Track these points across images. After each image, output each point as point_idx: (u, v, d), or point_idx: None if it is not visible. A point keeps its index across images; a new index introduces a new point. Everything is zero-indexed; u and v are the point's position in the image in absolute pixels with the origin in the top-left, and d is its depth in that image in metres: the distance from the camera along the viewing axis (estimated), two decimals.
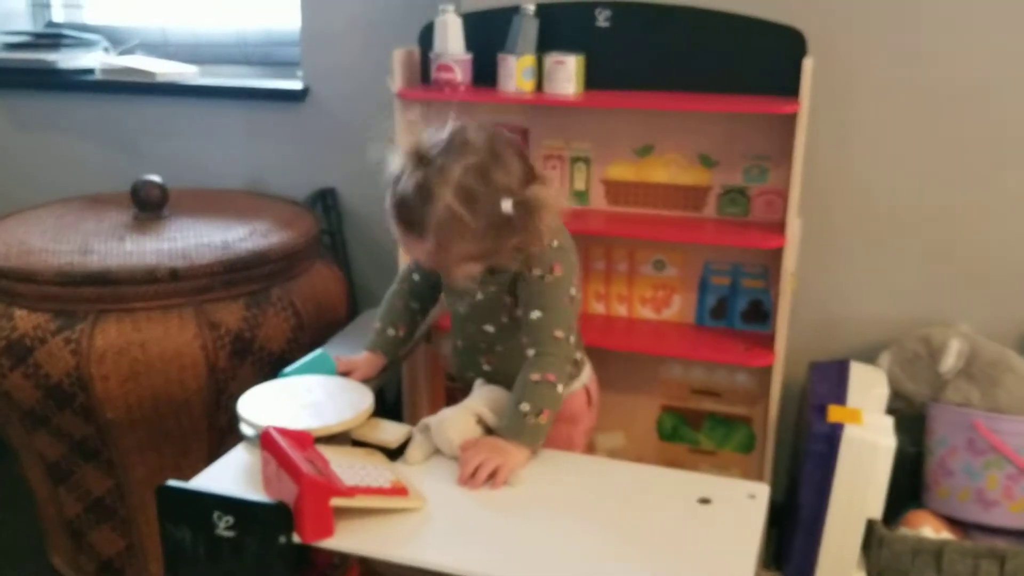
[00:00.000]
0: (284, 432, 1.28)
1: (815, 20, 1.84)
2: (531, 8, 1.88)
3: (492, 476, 1.33)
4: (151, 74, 2.46)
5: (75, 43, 2.61)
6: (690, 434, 2.12)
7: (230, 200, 2.28)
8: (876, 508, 1.70)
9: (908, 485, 1.89)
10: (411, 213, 1.36)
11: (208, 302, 1.84)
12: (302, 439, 1.30)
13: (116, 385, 1.77)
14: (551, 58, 1.87)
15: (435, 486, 1.32)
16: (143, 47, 2.65)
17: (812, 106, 1.78)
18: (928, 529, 1.77)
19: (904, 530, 1.77)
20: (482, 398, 1.47)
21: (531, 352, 1.44)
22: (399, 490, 1.27)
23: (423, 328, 1.77)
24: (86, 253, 1.86)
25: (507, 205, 1.34)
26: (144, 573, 2.01)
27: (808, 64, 1.73)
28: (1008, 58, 1.84)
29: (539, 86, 1.91)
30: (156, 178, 2.09)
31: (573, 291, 1.47)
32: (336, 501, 1.20)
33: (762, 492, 1.30)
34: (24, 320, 1.79)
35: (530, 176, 1.40)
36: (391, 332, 1.65)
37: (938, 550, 1.68)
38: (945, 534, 1.76)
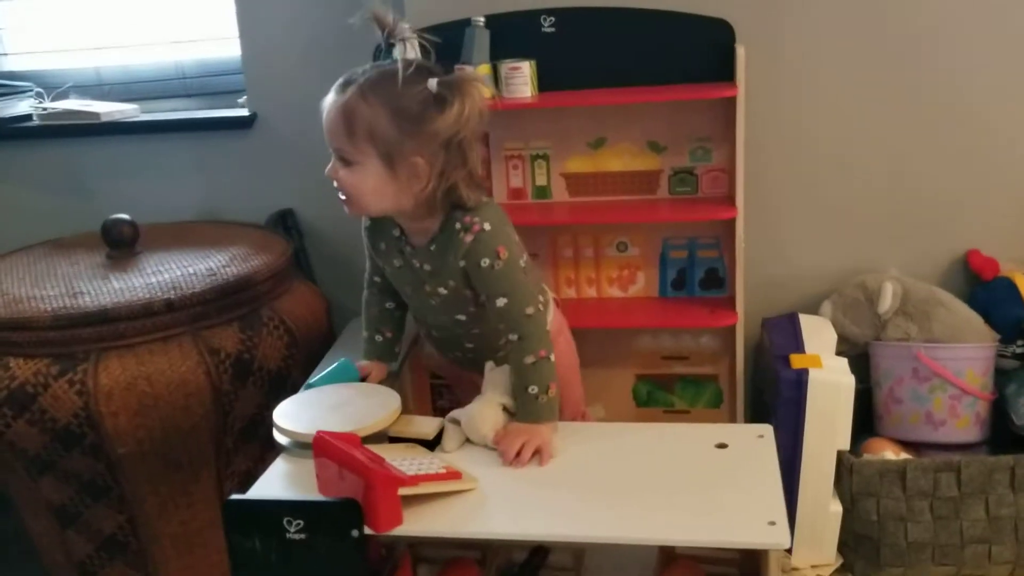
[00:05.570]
0: (334, 435, 1.37)
1: (740, 11, 2.01)
2: (481, 19, 1.99)
3: (535, 455, 1.42)
4: (95, 115, 2.45)
5: (5, 91, 2.58)
6: (664, 397, 2.28)
7: (195, 231, 2.32)
8: (844, 440, 1.87)
9: (859, 418, 2.09)
10: (346, 118, 1.40)
11: (204, 328, 1.89)
12: (351, 440, 1.38)
13: (126, 420, 1.81)
14: (506, 65, 1.99)
15: (479, 468, 1.41)
16: (76, 89, 2.63)
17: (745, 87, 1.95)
18: (888, 453, 1.97)
19: (869, 456, 1.97)
20: (500, 386, 1.54)
21: (513, 336, 1.50)
22: (454, 474, 1.36)
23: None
24: (76, 295, 1.89)
25: (432, 83, 1.40)
26: None
27: (741, 51, 1.91)
28: (931, 18, 2.02)
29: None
30: (125, 216, 2.12)
31: (522, 262, 1.52)
32: (403, 490, 1.29)
33: (768, 432, 1.44)
34: (22, 368, 1.81)
35: None
36: (379, 338, 1.71)
37: (902, 469, 1.87)
38: (904, 455, 1.97)
